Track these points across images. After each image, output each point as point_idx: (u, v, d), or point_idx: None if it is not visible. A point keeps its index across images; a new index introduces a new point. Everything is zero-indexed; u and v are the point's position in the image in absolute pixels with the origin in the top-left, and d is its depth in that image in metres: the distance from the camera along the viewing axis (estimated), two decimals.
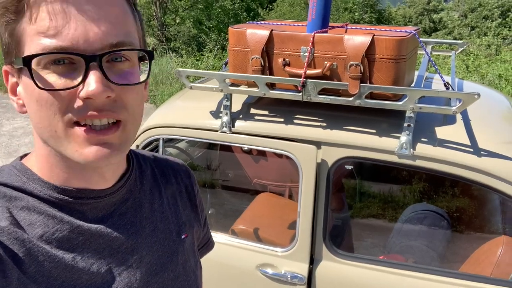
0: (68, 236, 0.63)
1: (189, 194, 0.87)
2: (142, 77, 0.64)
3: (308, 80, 1.59)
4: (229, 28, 1.76)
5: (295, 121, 1.74)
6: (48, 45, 0.55)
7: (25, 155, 0.70)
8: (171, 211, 0.80)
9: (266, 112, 1.80)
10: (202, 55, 11.01)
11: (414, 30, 1.65)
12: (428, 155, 1.54)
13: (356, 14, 14.63)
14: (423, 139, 1.57)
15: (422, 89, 1.55)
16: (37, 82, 0.56)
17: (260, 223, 2.12)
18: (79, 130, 0.58)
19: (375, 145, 1.61)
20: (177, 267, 0.77)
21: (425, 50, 1.79)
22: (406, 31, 1.59)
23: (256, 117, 1.79)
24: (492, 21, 15.59)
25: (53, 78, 0.57)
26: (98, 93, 0.56)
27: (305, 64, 1.60)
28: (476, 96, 1.40)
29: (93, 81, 0.56)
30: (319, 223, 1.73)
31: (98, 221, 0.67)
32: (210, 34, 13.52)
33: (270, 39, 1.65)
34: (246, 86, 1.79)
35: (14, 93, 0.63)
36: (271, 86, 1.71)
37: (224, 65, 2.01)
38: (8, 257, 0.57)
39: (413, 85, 1.74)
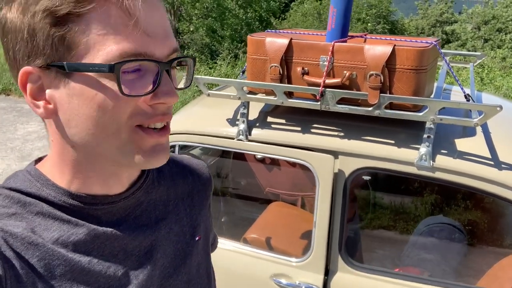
0: (84, 239, 0.62)
1: (206, 194, 0.86)
2: None
3: (326, 89, 1.59)
4: (248, 36, 1.76)
5: (313, 130, 1.73)
6: (127, 51, 0.55)
7: (40, 159, 0.69)
8: (186, 212, 0.79)
9: (283, 121, 1.79)
10: (215, 63, 11.07)
11: (435, 41, 1.64)
12: (448, 167, 1.52)
13: (369, 25, 14.63)
14: (442, 151, 1.55)
15: (443, 100, 1.54)
16: (123, 89, 0.55)
17: (272, 232, 2.11)
18: (143, 133, 0.60)
19: (394, 156, 1.59)
20: (190, 270, 0.76)
21: (445, 61, 1.77)
22: (427, 42, 1.57)
23: (273, 126, 1.78)
24: (506, 33, 15.46)
25: (128, 84, 0.57)
26: (173, 99, 0.59)
27: (324, 73, 1.59)
28: (498, 109, 1.39)
29: (168, 87, 0.59)
30: (335, 234, 1.71)
31: (113, 225, 0.66)
32: (223, 43, 13.60)
33: (289, 48, 1.65)
34: (264, 94, 1.79)
35: (37, 97, 0.59)
36: (289, 94, 1.71)
37: (241, 73, 2.01)
38: (23, 262, 0.57)
39: (432, 96, 1.72)
